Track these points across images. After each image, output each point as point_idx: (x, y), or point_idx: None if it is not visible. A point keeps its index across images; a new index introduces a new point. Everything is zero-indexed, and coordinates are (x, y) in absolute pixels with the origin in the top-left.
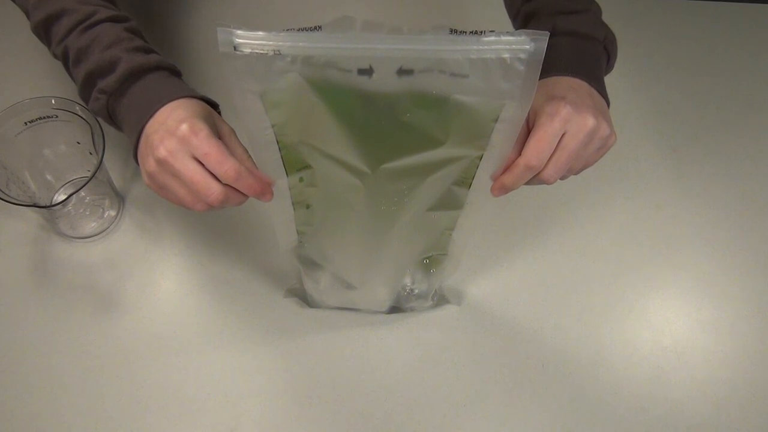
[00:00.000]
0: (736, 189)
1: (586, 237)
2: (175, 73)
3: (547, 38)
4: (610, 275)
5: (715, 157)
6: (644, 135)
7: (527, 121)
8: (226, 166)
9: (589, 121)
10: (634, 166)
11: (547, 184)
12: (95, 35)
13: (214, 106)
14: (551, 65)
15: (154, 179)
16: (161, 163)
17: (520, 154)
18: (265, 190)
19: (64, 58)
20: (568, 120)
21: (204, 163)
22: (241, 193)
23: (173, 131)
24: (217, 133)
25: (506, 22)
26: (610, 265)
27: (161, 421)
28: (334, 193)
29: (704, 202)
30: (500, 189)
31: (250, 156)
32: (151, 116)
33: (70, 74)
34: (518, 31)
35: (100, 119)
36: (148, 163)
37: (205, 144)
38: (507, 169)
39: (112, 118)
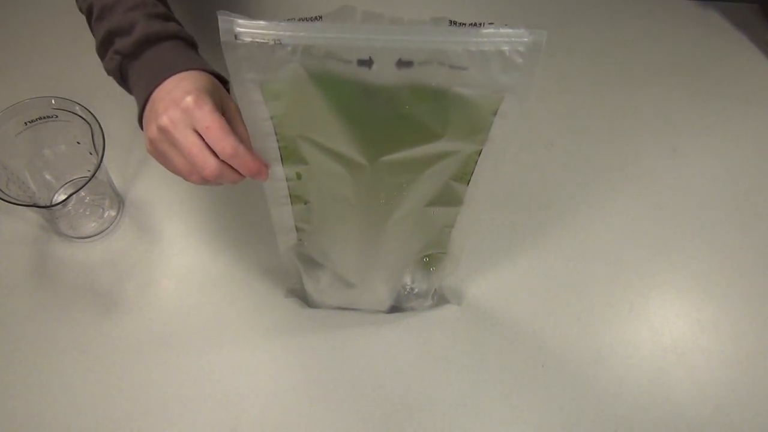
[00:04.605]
0: (735, 189)
1: (586, 237)
2: (192, 44)
3: (546, 32)
4: (610, 275)
5: (715, 157)
6: (644, 135)
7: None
8: (224, 143)
9: None
10: (634, 166)
11: None
12: None
13: (224, 82)
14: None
15: (155, 146)
16: (162, 131)
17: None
18: (261, 171)
19: (89, 13)
20: None
21: (204, 137)
22: (238, 171)
23: (178, 101)
24: (222, 109)
25: (506, 15)
26: (610, 265)
27: (161, 421)
28: (332, 188)
29: (704, 202)
30: None
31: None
32: (159, 84)
33: (92, 29)
34: (517, 25)
35: (107, 95)
36: (151, 129)
37: (208, 118)
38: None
39: (125, 80)
